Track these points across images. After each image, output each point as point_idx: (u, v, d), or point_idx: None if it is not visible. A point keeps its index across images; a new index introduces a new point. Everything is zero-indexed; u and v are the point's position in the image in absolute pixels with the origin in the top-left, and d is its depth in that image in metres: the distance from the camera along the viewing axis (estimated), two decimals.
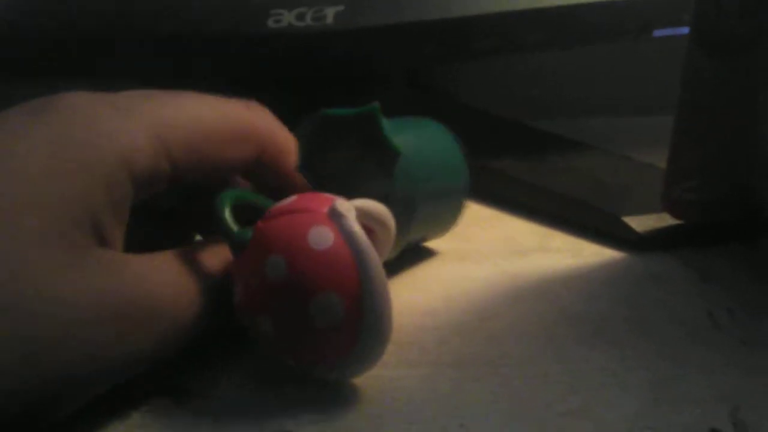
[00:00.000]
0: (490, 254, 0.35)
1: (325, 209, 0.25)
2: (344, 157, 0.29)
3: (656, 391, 0.25)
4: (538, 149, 0.41)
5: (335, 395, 0.25)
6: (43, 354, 0.21)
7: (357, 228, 0.24)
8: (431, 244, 0.35)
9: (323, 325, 0.24)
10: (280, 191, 0.27)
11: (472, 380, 0.26)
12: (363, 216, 0.25)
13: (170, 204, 0.29)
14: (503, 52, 0.42)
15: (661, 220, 0.34)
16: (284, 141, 0.29)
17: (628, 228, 0.34)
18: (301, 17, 0.36)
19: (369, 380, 0.26)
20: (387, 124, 0.28)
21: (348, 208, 0.25)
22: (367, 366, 0.25)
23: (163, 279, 0.24)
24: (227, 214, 0.26)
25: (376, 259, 0.24)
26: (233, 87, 0.28)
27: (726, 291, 0.31)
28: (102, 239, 0.23)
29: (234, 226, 0.26)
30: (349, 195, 0.26)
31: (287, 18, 0.36)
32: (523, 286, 0.32)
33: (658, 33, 0.44)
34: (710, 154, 0.33)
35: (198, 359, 0.28)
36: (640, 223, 0.35)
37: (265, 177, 0.29)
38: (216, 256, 0.26)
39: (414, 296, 0.31)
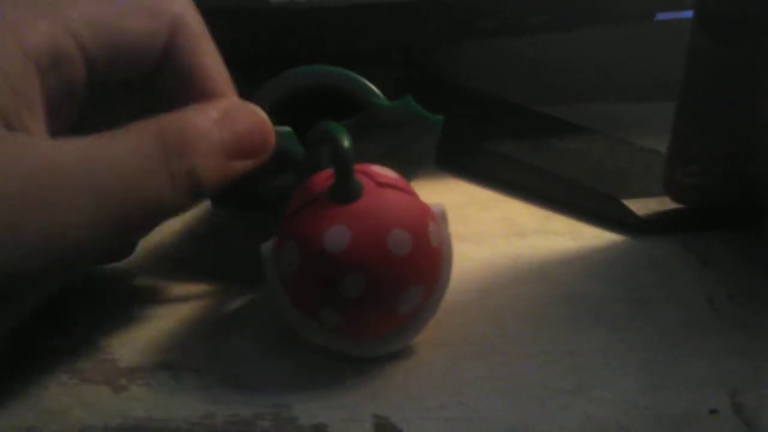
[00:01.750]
0: (490, 236, 0.35)
1: (431, 207, 0.26)
2: (388, 143, 0.29)
3: (655, 373, 0.25)
4: (539, 132, 0.41)
5: (334, 372, 0.25)
6: None
7: (450, 235, 0.26)
8: None
9: (400, 312, 0.25)
10: (193, 86, 0.26)
11: (470, 359, 0.26)
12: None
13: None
14: (505, 33, 0.42)
15: (662, 203, 0.34)
16: (200, 22, 0.26)
17: (628, 211, 0.34)
18: None
19: (369, 357, 0.26)
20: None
21: (444, 213, 0.26)
22: (410, 339, 0.26)
23: (66, 163, 0.22)
24: (348, 145, 0.24)
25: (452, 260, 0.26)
26: (233, 62, 0.28)
27: (725, 275, 0.31)
28: (11, 127, 0.22)
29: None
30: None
31: None
32: (522, 267, 0.32)
33: (660, 17, 0.44)
34: (712, 139, 0.33)
35: (196, 334, 0.28)
36: (640, 206, 0.34)
37: (178, 67, 0.26)
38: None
39: None
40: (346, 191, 0.24)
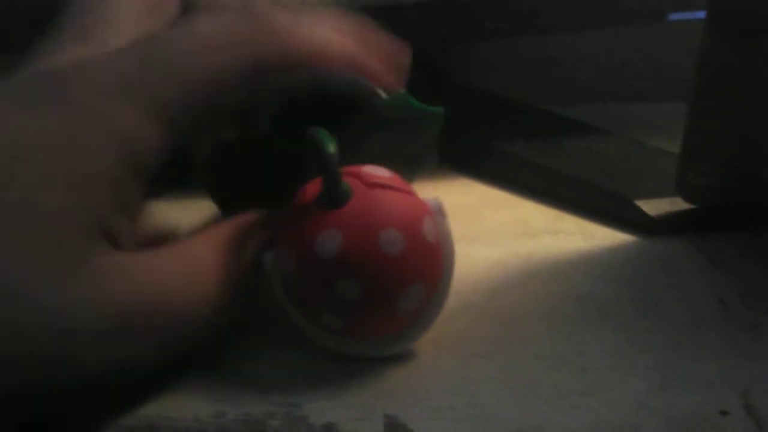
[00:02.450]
0: (500, 236, 0.35)
1: (426, 202, 0.26)
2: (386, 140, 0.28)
3: (665, 374, 0.25)
4: (550, 132, 0.41)
5: (345, 371, 0.26)
6: (49, 369, 0.20)
7: (450, 229, 0.26)
8: None
9: (402, 312, 0.25)
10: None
11: (480, 359, 0.26)
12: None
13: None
14: (515, 33, 0.42)
15: (673, 204, 0.34)
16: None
17: (639, 212, 0.34)
18: None
19: (379, 357, 0.26)
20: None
21: (441, 206, 0.26)
22: (416, 338, 0.26)
23: (173, 278, 0.23)
24: (332, 150, 0.23)
25: (453, 255, 0.26)
26: None
27: (737, 276, 0.31)
28: (113, 241, 0.22)
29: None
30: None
31: None
32: (532, 267, 0.32)
33: (672, 17, 0.44)
34: (724, 139, 0.33)
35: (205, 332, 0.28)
36: (652, 206, 0.34)
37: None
38: (231, 244, 0.25)
39: None
40: (335, 195, 0.24)
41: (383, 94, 0.27)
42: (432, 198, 0.26)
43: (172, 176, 0.26)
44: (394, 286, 0.24)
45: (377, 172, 0.25)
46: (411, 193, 0.25)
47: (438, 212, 0.26)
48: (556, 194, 0.38)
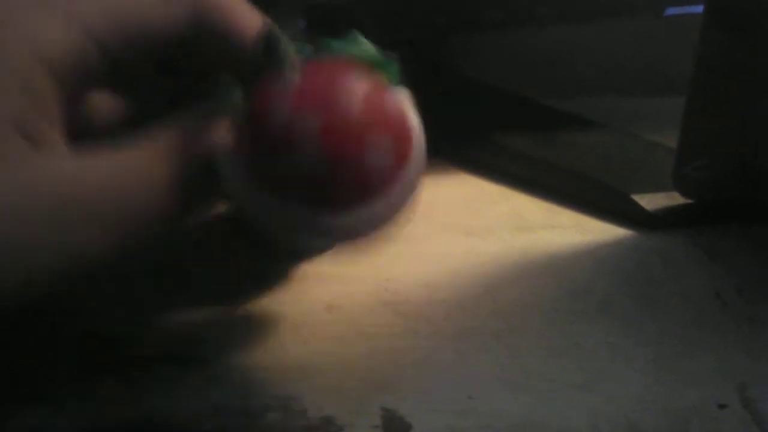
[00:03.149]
0: (497, 230, 0.35)
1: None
2: None
3: (663, 367, 0.25)
4: (547, 126, 0.41)
5: (342, 364, 0.26)
6: None
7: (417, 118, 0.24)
8: (443, 218, 0.35)
9: (369, 168, 0.23)
10: (228, 50, 0.25)
11: (478, 352, 0.26)
12: None
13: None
14: (512, 24, 0.42)
15: (671, 198, 0.34)
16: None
17: (636, 206, 0.34)
18: None
19: (377, 351, 0.26)
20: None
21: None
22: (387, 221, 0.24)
23: (98, 179, 0.22)
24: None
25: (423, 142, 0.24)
26: None
27: (734, 270, 0.31)
28: (34, 143, 0.22)
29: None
30: None
31: None
32: (529, 261, 0.32)
33: (670, 11, 0.44)
34: (721, 133, 0.33)
35: (205, 326, 0.28)
36: (648, 201, 0.34)
37: (209, 53, 0.25)
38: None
39: (421, 270, 0.31)
40: (278, 55, 0.23)
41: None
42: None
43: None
44: (357, 132, 0.22)
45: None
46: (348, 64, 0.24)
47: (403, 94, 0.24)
48: (553, 188, 0.37)
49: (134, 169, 0.23)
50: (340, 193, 0.23)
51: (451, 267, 0.31)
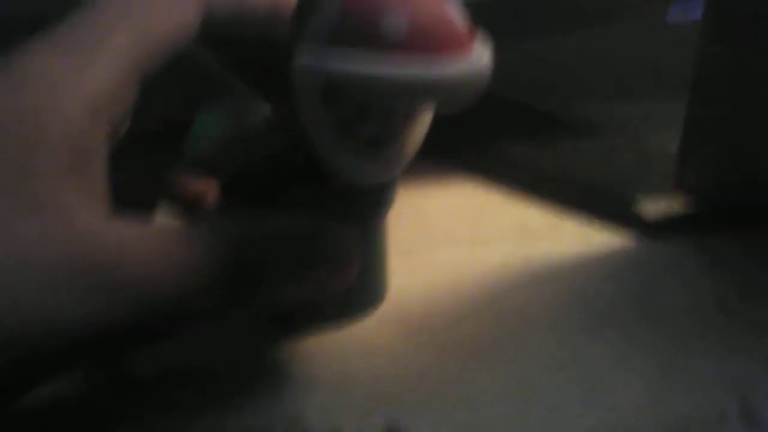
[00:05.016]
0: (501, 239, 0.35)
1: None
2: None
3: (665, 375, 0.25)
4: (549, 133, 0.41)
5: (345, 378, 0.26)
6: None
7: None
8: (446, 226, 0.35)
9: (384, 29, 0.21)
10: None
11: (481, 363, 0.26)
12: None
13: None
14: (517, 36, 0.42)
15: (673, 205, 0.34)
16: None
17: (639, 213, 0.34)
18: None
19: (379, 363, 0.26)
20: None
21: None
22: None
23: (145, 253, 0.22)
24: None
25: None
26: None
27: (737, 276, 0.31)
28: (81, 197, 0.22)
29: None
30: None
31: None
32: (532, 271, 0.32)
33: (670, 16, 0.44)
34: (723, 139, 0.33)
35: (207, 342, 0.28)
36: (651, 207, 0.34)
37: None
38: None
39: (423, 280, 0.31)
40: None
41: None
42: None
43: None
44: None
45: None
46: None
47: None
48: (555, 197, 0.38)
49: (167, 253, 0.22)
50: (435, 38, 0.22)
51: (453, 277, 0.31)
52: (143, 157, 0.27)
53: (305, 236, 0.24)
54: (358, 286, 0.29)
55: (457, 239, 0.35)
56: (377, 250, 0.29)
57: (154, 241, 0.22)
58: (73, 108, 0.22)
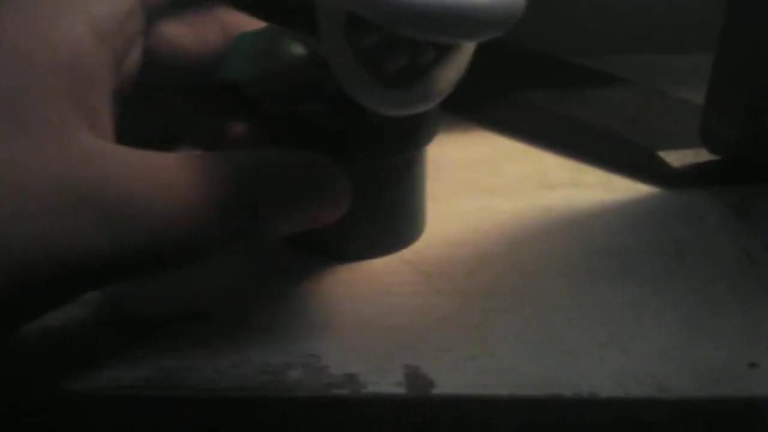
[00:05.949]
0: (521, 188, 0.34)
1: None
2: None
3: (689, 326, 0.25)
4: (573, 82, 0.40)
5: (364, 322, 0.25)
6: None
7: None
8: (465, 176, 0.35)
9: None
10: None
11: (501, 311, 0.26)
12: None
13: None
14: None
15: (698, 155, 0.34)
16: None
17: (663, 163, 0.34)
18: None
19: (398, 309, 0.26)
20: None
21: None
22: None
23: (152, 181, 0.21)
24: None
25: None
26: None
27: (762, 227, 0.30)
28: (89, 122, 0.21)
29: None
30: None
31: None
32: (553, 219, 0.31)
33: None
34: (750, 90, 0.32)
35: (227, 285, 0.27)
36: (675, 158, 0.34)
37: None
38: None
39: (444, 228, 0.31)
40: None
41: None
42: None
43: None
44: None
45: None
46: None
47: None
48: (577, 145, 0.37)
49: (166, 175, 0.22)
50: None
51: (473, 225, 0.31)
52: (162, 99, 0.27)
53: (301, 166, 0.24)
54: (396, 218, 0.29)
55: (477, 188, 0.34)
56: (415, 183, 0.29)
57: (158, 169, 0.21)
58: (77, 30, 0.21)
